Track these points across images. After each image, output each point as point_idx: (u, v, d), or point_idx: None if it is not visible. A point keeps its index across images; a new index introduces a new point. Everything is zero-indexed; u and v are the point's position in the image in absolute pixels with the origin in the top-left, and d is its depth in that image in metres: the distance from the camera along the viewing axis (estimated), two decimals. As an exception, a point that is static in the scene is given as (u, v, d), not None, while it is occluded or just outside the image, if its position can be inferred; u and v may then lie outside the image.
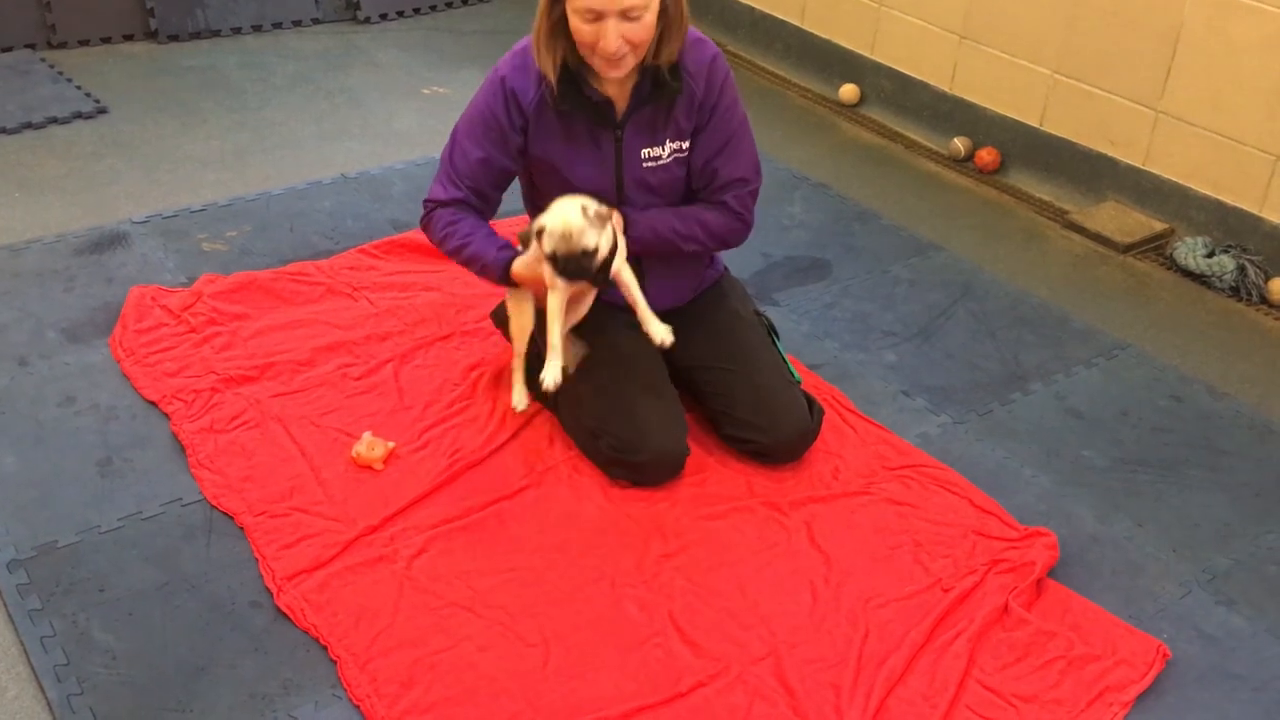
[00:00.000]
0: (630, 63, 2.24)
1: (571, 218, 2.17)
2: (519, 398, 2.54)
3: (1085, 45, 3.56)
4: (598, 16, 2.14)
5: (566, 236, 2.17)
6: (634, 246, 2.38)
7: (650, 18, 2.18)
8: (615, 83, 2.32)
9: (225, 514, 2.32)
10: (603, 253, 2.22)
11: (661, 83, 2.31)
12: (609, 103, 2.34)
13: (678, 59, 2.30)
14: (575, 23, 2.17)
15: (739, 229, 2.49)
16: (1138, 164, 3.53)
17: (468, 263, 2.43)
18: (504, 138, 2.36)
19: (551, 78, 2.27)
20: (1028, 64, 3.74)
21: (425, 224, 2.49)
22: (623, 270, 2.33)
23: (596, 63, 2.23)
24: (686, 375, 2.56)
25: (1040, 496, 2.50)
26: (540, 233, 2.21)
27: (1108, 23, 3.47)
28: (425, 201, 2.47)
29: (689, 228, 2.44)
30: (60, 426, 2.54)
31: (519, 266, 2.36)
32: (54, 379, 2.69)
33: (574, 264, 2.20)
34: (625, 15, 2.14)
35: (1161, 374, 2.91)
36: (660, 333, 2.32)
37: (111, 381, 2.68)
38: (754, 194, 2.48)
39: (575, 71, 2.29)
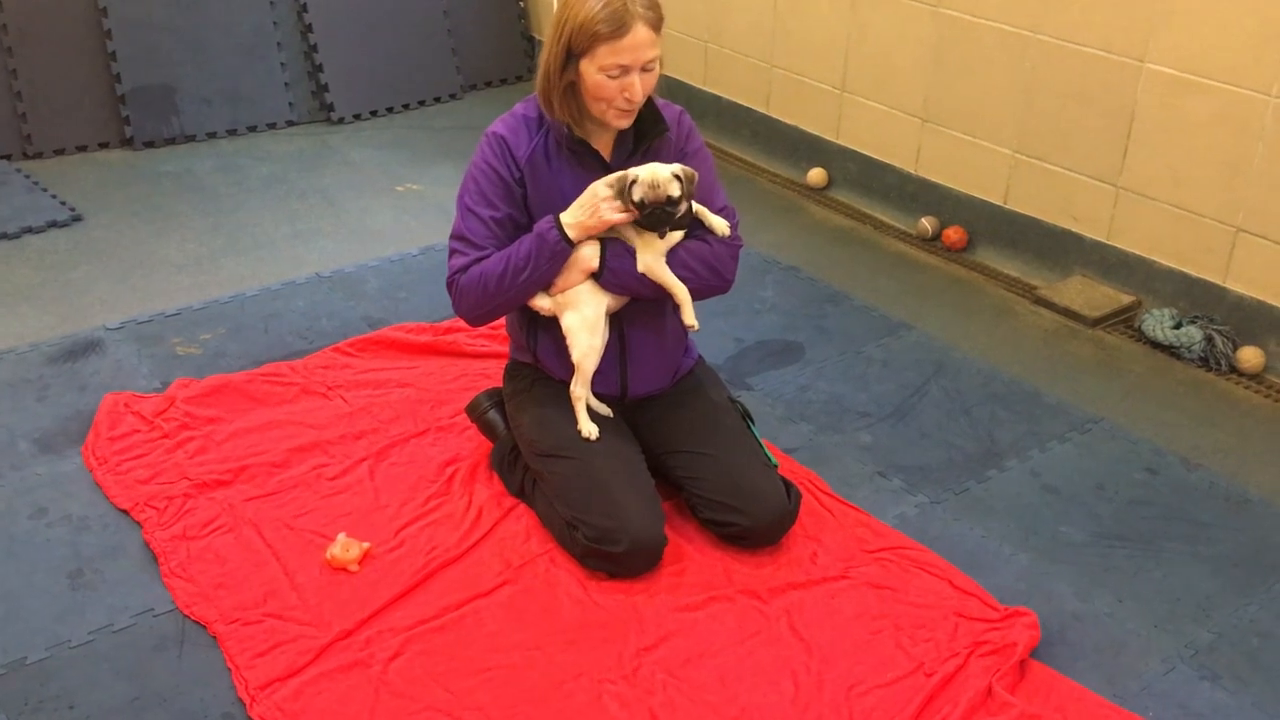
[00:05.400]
0: (634, 114, 2.37)
1: (659, 169, 2.33)
2: (589, 427, 2.49)
3: (1043, 125, 3.63)
4: (624, 72, 2.28)
5: (655, 185, 2.31)
6: (631, 279, 2.40)
7: (659, 70, 2.35)
8: (600, 135, 2.43)
9: (198, 623, 2.29)
10: (683, 208, 2.37)
11: (646, 128, 2.41)
12: (596, 153, 2.43)
13: (653, 108, 2.43)
14: (598, 80, 2.29)
15: (727, 259, 2.48)
16: (1102, 239, 3.59)
17: (523, 267, 2.36)
18: (509, 190, 2.42)
19: (565, 120, 2.37)
20: (989, 144, 3.81)
21: (457, 294, 2.43)
22: (661, 269, 2.40)
23: (610, 114, 2.34)
24: (662, 461, 2.57)
25: (1020, 575, 2.49)
26: (633, 183, 2.32)
27: (1064, 103, 3.55)
28: (448, 281, 2.44)
29: (685, 252, 2.43)
30: (31, 539, 2.52)
31: (569, 217, 2.36)
32: (26, 490, 2.67)
33: (660, 213, 2.33)
34: (645, 68, 2.30)
35: (1135, 447, 2.92)
36: (691, 318, 2.43)
37: (84, 491, 2.66)
38: (737, 224, 2.51)
39: (568, 125, 2.40)
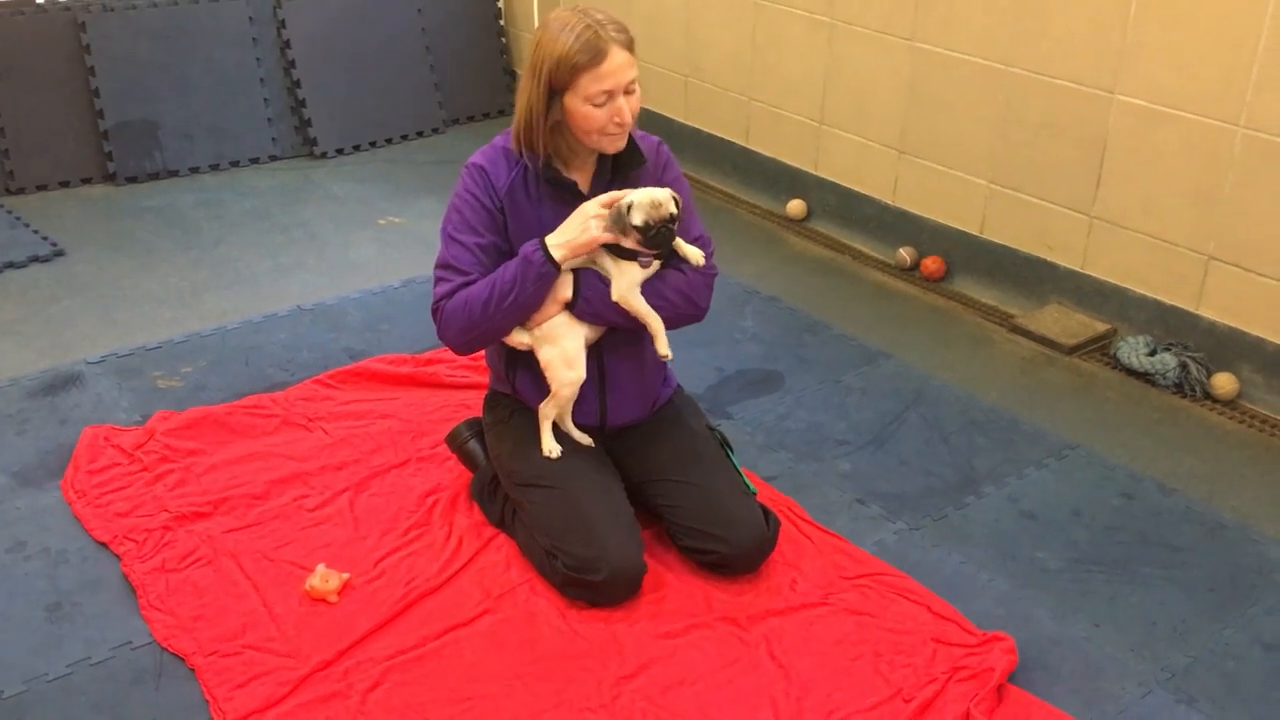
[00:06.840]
0: (626, 135, 2.40)
1: (654, 190, 2.36)
2: (551, 445, 2.51)
3: (1018, 156, 3.68)
4: (610, 96, 2.31)
5: (656, 204, 2.34)
6: (605, 309, 2.42)
7: (639, 91, 2.38)
8: (579, 167, 2.45)
9: (176, 655, 2.28)
10: (676, 227, 2.41)
11: (624, 159, 2.44)
12: (574, 184, 2.45)
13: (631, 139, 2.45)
14: (585, 111, 2.32)
15: (702, 288, 2.51)
16: (1076, 267, 3.63)
17: (508, 291, 2.37)
18: (492, 217, 2.44)
19: (542, 156, 2.39)
20: (965, 175, 3.86)
21: (442, 320, 2.44)
22: (635, 298, 2.42)
23: (604, 142, 2.38)
24: (642, 490, 2.58)
25: (998, 600, 2.50)
26: (630, 206, 2.34)
27: (1037, 134, 3.60)
28: (433, 308, 2.45)
29: (661, 281, 2.46)
30: (9, 573, 2.51)
31: (556, 237, 2.37)
32: (4, 524, 2.66)
33: (665, 231, 2.36)
34: (627, 90, 2.33)
35: (1111, 473, 2.95)
36: (664, 348, 2.46)
37: (62, 524, 2.66)
38: (712, 254, 2.54)
39: (546, 159, 2.42)
